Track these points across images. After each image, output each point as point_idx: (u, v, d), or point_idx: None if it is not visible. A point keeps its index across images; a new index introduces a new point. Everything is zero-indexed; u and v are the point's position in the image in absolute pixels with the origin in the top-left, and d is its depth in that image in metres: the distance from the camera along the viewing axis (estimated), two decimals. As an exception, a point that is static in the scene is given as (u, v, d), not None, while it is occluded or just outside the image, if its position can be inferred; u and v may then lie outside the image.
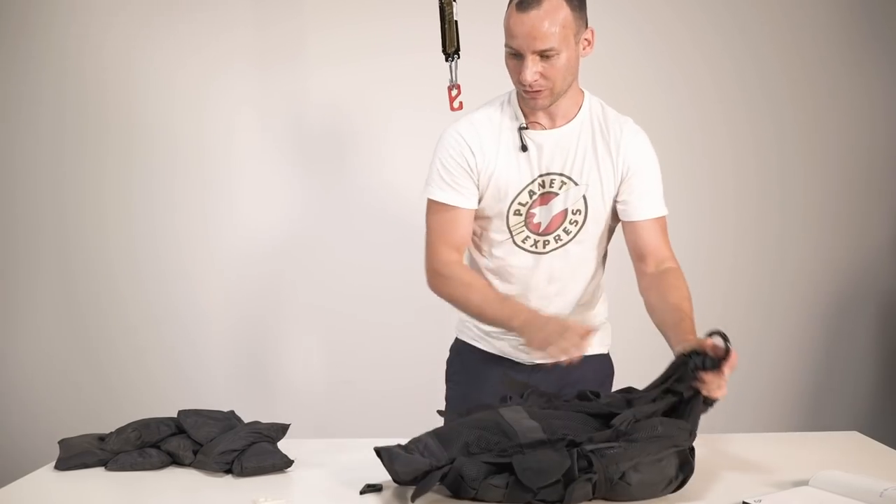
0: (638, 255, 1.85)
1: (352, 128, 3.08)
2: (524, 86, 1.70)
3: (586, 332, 1.58)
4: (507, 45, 1.70)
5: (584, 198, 1.81)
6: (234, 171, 3.07)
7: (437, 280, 1.83)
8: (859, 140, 3.20)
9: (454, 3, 1.97)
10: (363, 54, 3.00)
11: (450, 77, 1.97)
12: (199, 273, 3.08)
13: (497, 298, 1.77)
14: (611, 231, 1.91)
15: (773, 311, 3.21)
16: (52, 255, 3.06)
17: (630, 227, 1.84)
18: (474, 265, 1.95)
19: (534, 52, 1.66)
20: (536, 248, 1.84)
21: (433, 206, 1.83)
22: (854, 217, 3.22)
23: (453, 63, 1.97)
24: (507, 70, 1.75)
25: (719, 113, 3.14)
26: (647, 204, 1.82)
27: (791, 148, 3.18)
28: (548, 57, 1.66)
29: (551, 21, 1.64)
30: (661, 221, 1.84)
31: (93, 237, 3.06)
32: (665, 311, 1.79)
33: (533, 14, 1.63)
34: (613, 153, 1.80)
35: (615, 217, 1.87)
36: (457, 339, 2.04)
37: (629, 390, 1.62)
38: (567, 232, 1.83)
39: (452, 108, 1.95)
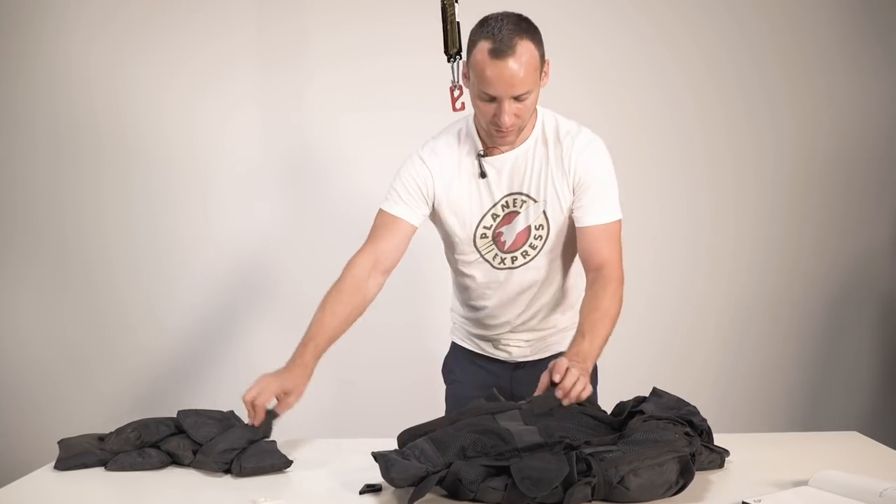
0: (581, 258, 1.89)
1: (353, 129, 3.08)
2: (500, 127, 1.74)
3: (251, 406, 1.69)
4: (481, 91, 1.71)
5: (545, 213, 1.87)
6: (234, 172, 3.07)
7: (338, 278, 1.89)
8: (859, 140, 3.20)
9: (456, 3, 1.98)
10: (365, 55, 3.00)
11: (452, 78, 1.98)
12: (198, 273, 3.08)
13: (310, 334, 1.87)
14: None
15: (773, 311, 3.21)
16: (51, 257, 3.06)
17: (577, 232, 1.88)
18: (459, 282, 2.01)
19: (510, 97, 1.69)
20: (505, 264, 1.91)
21: (379, 214, 1.90)
22: (853, 217, 3.22)
23: (455, 64, 1.98)
24: (476, 109, 1.78)
25: (718, 113, 3.14)
26: (590, 213, 1.84)
27: (790, 148, 3.18)
28: (521, 100, 1.71)
29: (526, 66, 1.68)
30: (608, 228, 1.85)
31: (92, 238, 3.06)
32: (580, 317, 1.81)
33: (510, 62, 1.66)
34: (565, 166, 1.84)
35: None
36: (452, 342, 2.12)
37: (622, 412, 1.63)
38: (533, 247, 1.90)
39: (454, 109, 1.96)
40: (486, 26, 1.70)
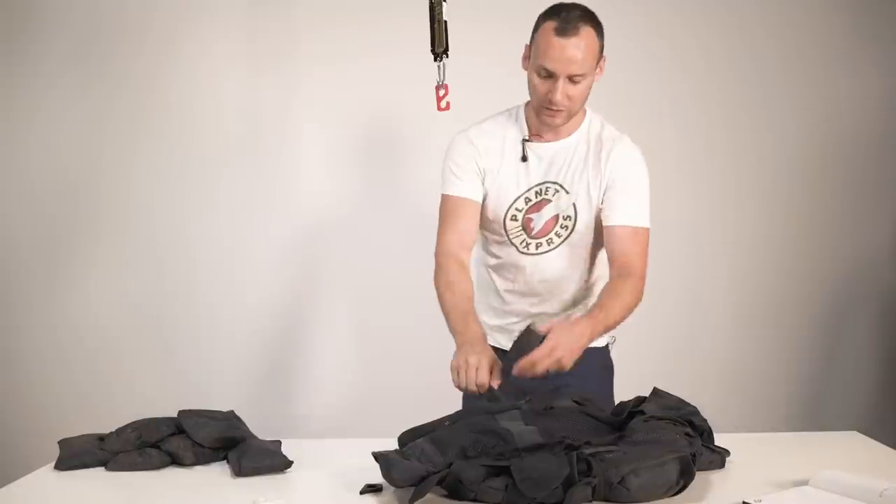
0: (608, 259, 1.94)
1: (350, 131, 3.08)
2: (551, 104, 1.83)
3: (483, 384, 1.69)
4: (540, 66, 1.81)
5: (574, 205, 1.93)
6: (236, 176, 3.07)
7: (435, 269, 1.95)
8: (859, 139, 3.19)
9: (444, 2, 1.99)
10: (356, 56, 2.99)
11: (438, 77, 1.99)
12: (199, 274, 3.07)
13: (462, 310, 1.86)
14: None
15: (774, 311, 3.20)
16: (52, 255, 3.06)
17: (605, 232, 1.93)
18: (483, 263, 2.07)
19: (567, 76, 1.79)
20: (529, 249, 1.97)
21: (444, 200, 1.98)
22: (854, 217, 3.21)
23: (441, 63, 2.00)
24: (531, 87, 1.86)
25: (719, 113, 3.14)
26: (620, 212, 1.91)
27: (790, 146, 3.18)
28: (576, 81, 1.81)
29: (586, 48, 1.79)
30: (636, 231, 1.91)
31: (91, 237, 3.06)
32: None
33: (573, 41, 1.77)
34: (602, 165, 1.92)
35: None
36: None
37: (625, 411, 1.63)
38: (558, 235, 1.95)
39: (439, 108, 1.99)
40: (555, 9, 1.81)
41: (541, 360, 1.66)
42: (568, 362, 1.69)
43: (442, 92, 1.99)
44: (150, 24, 3.00)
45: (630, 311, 1.87)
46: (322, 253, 3.10)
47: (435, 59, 2.01)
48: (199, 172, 3.05)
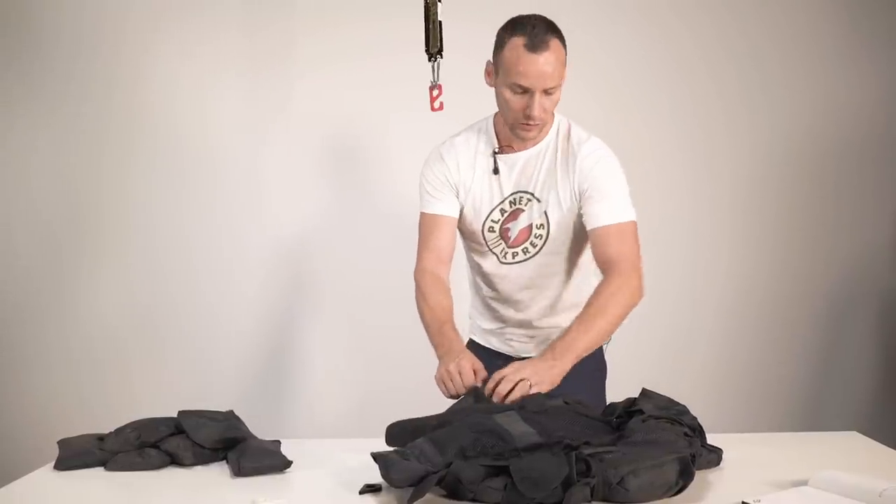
0: (596, 261, 1.93)
1: (346, 132, 3.08)
2: (529, 119, 1.83)
3: (469, 385, 1.72)
4: (514, 83, 1.80)
5: (546, 213, 1.95)
6: (234, 177, 3.07)
7: (415, 287, 1.98)
8: (859, 137, 3.20)
9: (439, 2, 1.99)
10: (353, 56, 3.00)
11: (432, 77, 2.00)
12: (198, 274, 3.08)
13: (438, 322, 1.90)
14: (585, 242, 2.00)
15: (773, 310, 3.21)
16: (50, 257, 3.06)
17: (590, 237, 1.93)
18: (470, 273, 2.13)
19: (542, 90, 1.80)
20: (508, 258, 2.00)
21: (421, 219, 2.02)
22: (854, 217, 3.21)
23: (436, 63, 2.00)
24: (503, 104, 1.86)
25: (718, 112, 3.14)
26: (595, 216, 1.89)
27: (790, 146, 3.18)
28: (550, 93, 1.82)
29: (556, 61, 1.79)
30: (618, 228, 1.89)
31: (90, 239, 3.06)
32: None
33: (545, 56, 1.77)
34: (570, 171, 1.92)
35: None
36: (469, 339, 2.17)
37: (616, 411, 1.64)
38: (534, 245, 1.97)
39: (433, 109, 2.00)
40: (519, 25, 1.80)
41: (506, 377, 1.67)
42: (538, 383, 1.67)
43: (436, 92, 1.99)
44: (144, 26, 3.02)
45: (619, 315, 1.83)
46: (321, 253, 3.11)
47: (429, 60, 2.02)
48: (196, 175, 3.06)
